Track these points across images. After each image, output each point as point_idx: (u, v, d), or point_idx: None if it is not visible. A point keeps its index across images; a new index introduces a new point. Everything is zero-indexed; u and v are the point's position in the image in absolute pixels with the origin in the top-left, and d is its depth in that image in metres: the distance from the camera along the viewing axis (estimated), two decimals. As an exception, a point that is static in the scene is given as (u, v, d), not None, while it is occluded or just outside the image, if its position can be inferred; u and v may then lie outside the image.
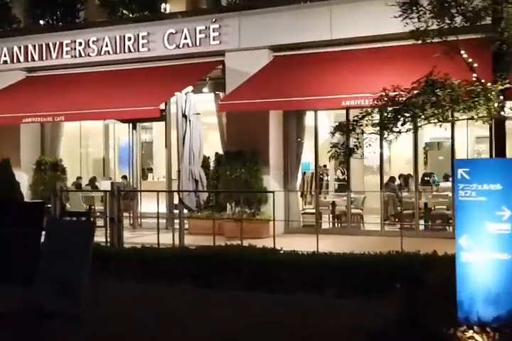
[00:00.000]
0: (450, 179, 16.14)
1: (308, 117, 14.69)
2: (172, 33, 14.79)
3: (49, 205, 16.18)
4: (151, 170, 21.24)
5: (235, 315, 6.99)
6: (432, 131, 17.67)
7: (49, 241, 6.86)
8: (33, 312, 6.70)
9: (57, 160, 16.73)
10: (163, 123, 16.66)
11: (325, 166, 18.43)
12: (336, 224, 14.89)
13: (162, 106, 13.43)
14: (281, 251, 8.71)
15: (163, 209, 16.48)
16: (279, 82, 12.72)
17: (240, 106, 12.14)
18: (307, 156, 15.36)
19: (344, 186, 17.57)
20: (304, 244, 9.87)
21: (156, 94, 13.39)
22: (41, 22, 16.77)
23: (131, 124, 16.42)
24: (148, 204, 16.51)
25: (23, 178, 16.64)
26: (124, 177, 19.65)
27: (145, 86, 14.18)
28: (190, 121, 10.71)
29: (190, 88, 11.22)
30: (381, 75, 11.88)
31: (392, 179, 16.12)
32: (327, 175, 19.30)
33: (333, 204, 14.98)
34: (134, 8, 15.81)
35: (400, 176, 16.87)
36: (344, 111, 15.11)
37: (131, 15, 15.69)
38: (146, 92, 13.72)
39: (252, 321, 6.70)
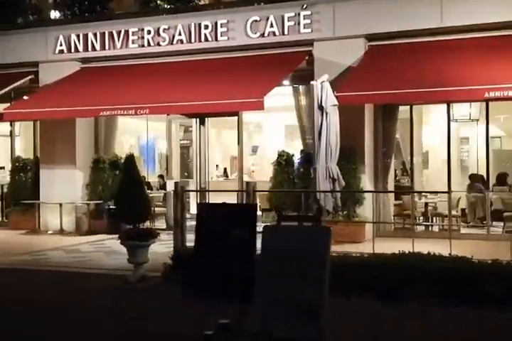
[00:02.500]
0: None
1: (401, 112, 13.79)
2: (256, 21, 13.66)
3: (112, 206, 15.12)
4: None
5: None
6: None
7: (269, 252, 5.73)
8: (254, 337, 5.62)
9: (116, 158, 15.52)
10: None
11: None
12: (430, 227, 13.93)
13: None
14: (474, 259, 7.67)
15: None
16: (392, 73, 11.65)
17: (362, 98, 11.05)
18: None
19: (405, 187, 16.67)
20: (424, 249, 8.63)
21: (251, 85, 12.25)
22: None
23: (198, 119, 15.27)
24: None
25: (78, 177, 15.49)
26: (161, 176, 18.50)
27: (232, 77, 13.03)
28: (327, 113, 9.63)
29: (325, 77, 10.14)
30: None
31: (475, 179, 15.19)
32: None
33: (426, 205, 14.04)
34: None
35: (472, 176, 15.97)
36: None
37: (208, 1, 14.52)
38: (237, 84, 12.58)
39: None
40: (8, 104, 16.06)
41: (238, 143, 14.86)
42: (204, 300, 5.88)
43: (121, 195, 8.78)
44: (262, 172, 20.32)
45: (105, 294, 8.27)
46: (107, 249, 12.35)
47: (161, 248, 10.83)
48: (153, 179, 18.24)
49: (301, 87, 14.17)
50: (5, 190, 17.34)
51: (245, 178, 19.39)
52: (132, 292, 8.33)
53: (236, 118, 14.77)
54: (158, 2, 16.25)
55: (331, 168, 9.98)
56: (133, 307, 7.57)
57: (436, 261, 7.62)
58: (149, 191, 15.86)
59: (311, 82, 10.30)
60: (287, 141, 20.04)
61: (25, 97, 15.80)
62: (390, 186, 14.09)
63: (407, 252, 7.99)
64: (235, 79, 12.86)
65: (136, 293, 8.25)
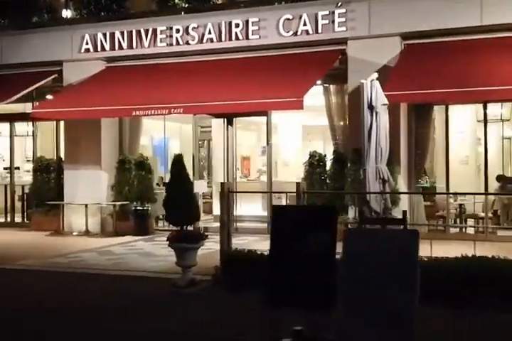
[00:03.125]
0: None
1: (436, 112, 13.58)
2: (288, 19, 13.42)
3: (138, 207, 14.91)
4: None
5: None
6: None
7: (353, 257, 5.49)
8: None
9: (142, 158, 15.28)
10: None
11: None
12: (464, 229, 13.70)
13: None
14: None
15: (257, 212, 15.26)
16: (437, 72, 11.35)
17: (413, 96, 10.78)
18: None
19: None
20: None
21: (287, 85, 12.03)
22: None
23: (226, 120, 15.03)
24: (242, 207, 15.19)
25: (103, 178, 15.24)
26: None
27: (265, 76, 12.80)
28: (376, 113, 9.41)
29: (375, 75, 9.91)
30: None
31: (506, 180, 14.96)
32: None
33: (461, 207, 13.81)
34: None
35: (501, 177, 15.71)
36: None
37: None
38: (271, 83, 12.34)
39: None
40: (30, 104, 15.89)
41: (267, 143, 14.66)
42: (278, 307, 5.63)
43: (170, 197, 8.53)
44: (274, 173, 20.06)
45: (159, 298, 8.03)
46: (140, 251, 12.12)
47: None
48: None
49: (331, 86, 14.01)
50: (25, 190, 17.13)
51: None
52: (184, 296, 8.09)
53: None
54: (176, 1, 16.00)
55: (381, 168, 9.74)
56: (191, 312, 7.33)
57: (501, 265, 7.39)
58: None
59: (361, 81, 10.07)
60: (305, 142, 19.77)
61: (49, 96, 15.59)
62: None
63: (469, 255, 7.74)
64: (269, 79, 12.64)
65: (189, 297, 8.01)
